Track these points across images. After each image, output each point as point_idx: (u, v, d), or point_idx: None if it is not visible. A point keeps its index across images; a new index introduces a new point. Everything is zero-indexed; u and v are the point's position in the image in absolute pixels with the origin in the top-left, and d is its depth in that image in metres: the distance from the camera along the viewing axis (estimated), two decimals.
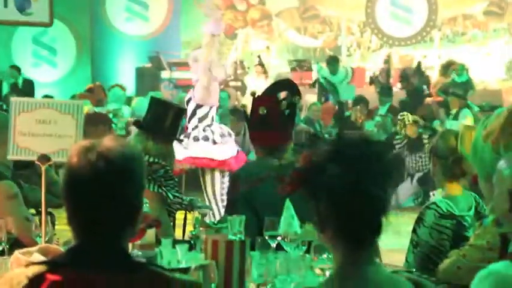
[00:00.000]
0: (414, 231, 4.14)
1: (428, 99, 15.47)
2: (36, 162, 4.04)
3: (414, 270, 3.96)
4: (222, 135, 8.67)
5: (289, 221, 3.81)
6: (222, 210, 8.16)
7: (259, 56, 18.07)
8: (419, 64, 17.06)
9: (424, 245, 4.07)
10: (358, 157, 2.27)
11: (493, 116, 2.94)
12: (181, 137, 8.08)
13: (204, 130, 8.60)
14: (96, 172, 2.27)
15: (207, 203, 8.14)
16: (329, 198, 2.27)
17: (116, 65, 19.41)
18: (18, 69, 17.37)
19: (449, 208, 4.08)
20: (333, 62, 16.46)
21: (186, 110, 5.91)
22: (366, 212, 2.26)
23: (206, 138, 8.56)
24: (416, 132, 12.16)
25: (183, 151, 8.36)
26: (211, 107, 8.74)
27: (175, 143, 5.70)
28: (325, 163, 2.28)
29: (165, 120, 5.26)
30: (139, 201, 2.37)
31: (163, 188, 5.08)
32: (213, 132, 8.60)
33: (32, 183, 5.35)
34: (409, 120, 12.19)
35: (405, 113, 12.59)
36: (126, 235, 2.37)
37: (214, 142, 8.57)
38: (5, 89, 16.72)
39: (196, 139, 8.58)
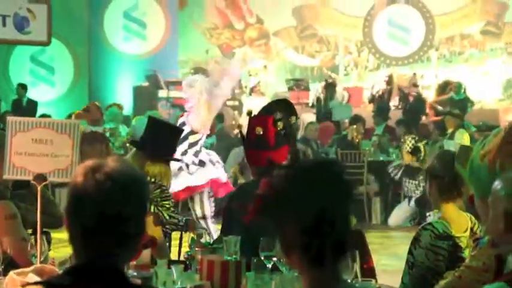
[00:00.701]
0: (410, 252, 4.13)
1: (424, 119, 15.51)
2: (32, 181, 4.03)
3: None
4: (211, 162, 8.63)
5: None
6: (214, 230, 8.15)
7: (250, 75, 18.09)
8: (414, 76, 17.14)
9: (420, 266, 4.06)
10: (317, 179, 2.27)
11: (490, 136, 2.94)
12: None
13: (195, 156, 8.52)
14: (102, 192, 2.26)
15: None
16: (292, 222, 2.27)
17: (114, 83, 19.43)
18: (25, 88, 17.41)
19: (445, 229, 4.07)
20: (330, 88, 16.48)
21: (183, 130, 5.91)
22: (329, 232, 2.26)
23: (202, 164, 8.49)
24: (410, 159, 12.15)
25: (178, 180, 8.27)
26: (203, 135, 8.71)
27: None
28: (285, 188, 2.28)
29: (162, 140, 5.26)
30: (143, 224, 2.37)
31: (159, 208, 5.08)
32: (187, 166, 8.52)
33: (28, 203, 5.34)
34: (408, 148, 12.15)
35: (408, 138, 12.54)
36: (127, 256, 2.37)
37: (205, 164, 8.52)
38: (3, 107, 16.73)
39: (194, 164, 8.48)
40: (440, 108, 15.58)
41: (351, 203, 2.33)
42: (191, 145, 8.55)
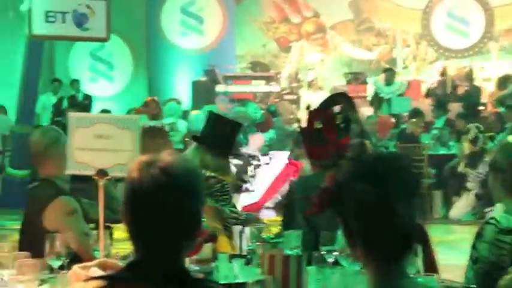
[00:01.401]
0: (474, 246, 4.07)
1: (485, 112, 15.31)
2: (94, 176, 4.07)
3: (474, 286, 3.91)
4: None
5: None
6: None
7: (310, 69, 18.07)
8: (470, 71, 16.92)
9: (484, 261, 4.01)
10: (383, 173, 2.26)
11: None
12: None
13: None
14: (159, 186, 2.27)
15: None
16: (356, 217, 2.26)
17: (172, 78, 19.53)
18: (79, 83, 17.64)
19: (509, 223, 4.01)
20: (389, 72, 16.41)
21: (242, 124, 5.92)
22: (393, 229, 2.24)
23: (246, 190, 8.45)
24: (471, 149, 12.03)
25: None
26: None
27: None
28: (350, 182, 2.27)
29: (222, 134, 5.28)
30: (200, 217, 2.37)
31: (219, 203, 5.10)
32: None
33: (90, 197, 5.40)
34: (470, 137, 12.03)
35: (472, 126, 12.42)
36: (185, 250, 2.37)
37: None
38: (65, 104, 16.96)
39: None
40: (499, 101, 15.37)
41: (418, 198, 2.31)
42: None
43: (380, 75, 17.00)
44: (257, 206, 8.26)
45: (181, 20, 20.13)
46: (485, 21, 19.59)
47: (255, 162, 8.33)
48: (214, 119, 5.47)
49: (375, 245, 2.26)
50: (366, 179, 2.25)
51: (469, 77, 16.72)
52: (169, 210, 2.27)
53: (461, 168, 12.22)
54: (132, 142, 3.99)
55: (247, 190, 8.30)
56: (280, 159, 8.34)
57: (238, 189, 8.29)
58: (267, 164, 8.16)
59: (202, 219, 2.38)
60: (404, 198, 2.27)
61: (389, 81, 16.17)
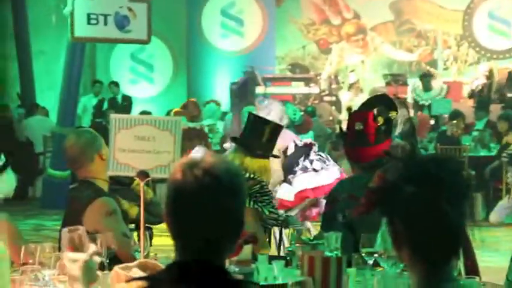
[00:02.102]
0: None
1: None
2: (136, 177, 4.10)
3: None
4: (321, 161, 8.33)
5: (386, 237, 3.77)
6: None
7: (352, 71, 18.01)
8: (510, 74, 16.75)
9: None
10: (432, 176, 2.24)
11: None
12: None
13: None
14: (202, 188, 2.28)
15: None
16: (404, 218, 2.24)
17: (212, 80, 19.60)
18: (117, 85, 17.77)
19: None
20: (426, 78, 16.27)
21: (283, 126, 5.91)
22: (442, 231, 2.23)
23: (305, 169, 8.23)
24: None
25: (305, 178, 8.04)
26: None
27: None
28: (400, 182, 2.25)
29: (262, 136, 5.28)
30: (242, 218, 2.38)
31: (259, 204, 5.10)
32: (311, 162, 8.30)
33: (129, 199, 5.44)
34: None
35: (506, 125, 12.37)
36: (227, 251, 2.38)
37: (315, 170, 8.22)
38: (105, 106, 17.11)
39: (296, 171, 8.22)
40: None
41: (467, 201, 2.29)
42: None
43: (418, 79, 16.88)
44: (290, 204, 8.12)
45: (222, 22, 20.21)
46: None
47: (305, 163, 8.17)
48: (254, 121, 5.47)
49: (421, 248, 2.24)
50: (417, 181, 2.23)
51: (510, 78, 16.57)
52: (212, 211, 2.29)
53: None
54: (172, 143, 4.01)
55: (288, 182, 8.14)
56: (333, 171, 8.17)
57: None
58: (316, 170, 7.98)
59: (245, 220, 2.39)
60: (454, 201, 2.25)
61: (427, 88, 16.04)
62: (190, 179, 2.29)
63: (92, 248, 3.10)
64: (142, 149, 4.06)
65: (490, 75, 16.45)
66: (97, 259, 3.09)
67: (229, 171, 2.34)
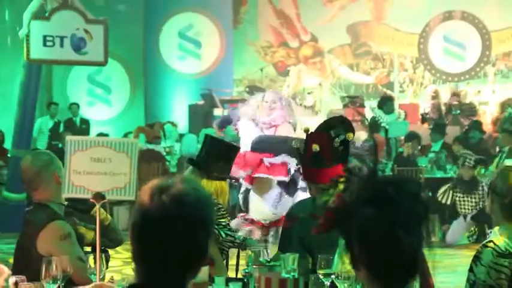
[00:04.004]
0: (471, 269, 4.06)
1: (484, 136, 15.32)
2: (91, 200, 4.06)
3: None
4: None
5: (343, 258, 3.78)
6: None
7: (309, 93, 18.08)
8: (457, 90, 16.98)
9: (482, 285, 3.99)
10: (390, 198, 2.23)
11: None
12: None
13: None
14: (168, 215, 2.25)
15: None
16: (361, 239, 2.24)
17: (169, 102, 19.57)
18: (78, 106, 17.67)
19: (507, 247, 4.00)
20: (389, 103, 16.34)
21: (239, 148, 5.90)
22: (398, 253, 2.22)
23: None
24: (469, 175, 12.07)
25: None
26: None
27: None
28: (358, 203, 2.25)
29: (219, 158, 5.26)
30: (206, 249, 2.35)
31: (215, 226, 5.07)
32: None
33: (86, 222, 5.38)
34: (469, 162, 12.07)
35: (470, 152, 12.48)
36: (188, 278, 2.35)
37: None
38: (61, 128, 16.98)
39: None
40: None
41: (425, 224, 2.29)
42: None
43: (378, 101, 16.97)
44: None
45: (179, 44, 20.21)
46: (482, 45, 19.66)
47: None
48: (210, 142, 5.46)
49: (377, 269, 2.24)
50: (374, 203, 2.23)
51: (456, 94, 16.77)
52: (175, 240, 2.25)
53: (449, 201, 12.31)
54: (128, 165, 3.98)
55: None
56: None
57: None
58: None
59: (208, 249, 2.36)
60: (412, 224, 2.24)
61: (389, 111, 16.13)
62: (157, 205, 2.25)
63: (5, 272, 3.06)
64: (98, 171, 4.03)
65: (436, 97, 16.63)
66: (11, 280, 3.04)
67: (198, 200, 2.30)
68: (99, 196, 3.99)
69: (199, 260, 2.33)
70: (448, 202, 12.37)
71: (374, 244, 2.21)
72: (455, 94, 16.95)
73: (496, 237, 4.09)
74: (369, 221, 2.20)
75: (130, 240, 2.32)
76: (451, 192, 12.38)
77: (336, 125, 4.85)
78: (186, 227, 2.25)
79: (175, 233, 2.24)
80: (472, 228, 12.29)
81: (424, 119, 16.55)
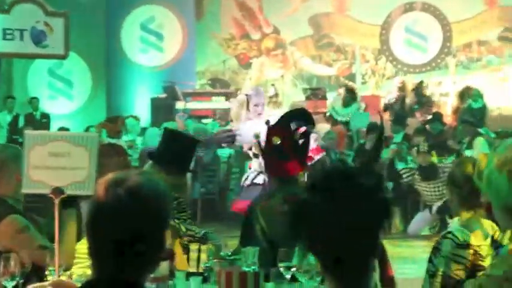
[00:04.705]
0: (430, 260, 4.08)
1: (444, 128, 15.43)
2: (50, 195, 4.02)
3: None
4: None
5: (303, 251, 3.78)
6: None
7: (273, 85, 18.09)
8: (420, 83, 17.05)
9: (441, 275, 4.02)
10: (348, 192, 2.23)
11: (503, 146, 2.91)
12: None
13: None
14: (123, 208, 2.24)
15: None
16: (318, 233, 2.24)
17: (131, 95, 19.47)
18: (37, 101, 17.50)
19: (465, 237, 4.03)
20: (348, 95, 16.36)
21: (199, 141, 5.87)
22: (357, 245, 2.23)
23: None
24: (427, 160, 12.14)
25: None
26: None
27: None
28: (313, 197, 2.25)
29: (178, 152, 5.23)
30: (163, 241, 2.34)
31: (175, 221, 5.06)
32: None
33: (47, 217, 5.32)
34: (423, 148, 12.16)
35: (423, 139, 12.60)
36: (146, 271, 2.34)
37: None
38: (21, 122, 16.81)
39: None
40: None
41: (386, 215, 2.28)
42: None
43: (339, 92, 16.99)
44: None
45: (141, 37, 20.11)
46: (443, 37, 19.80)
47: None
48: (170, 136, 5.43)
49: (335, 263, 2.23)
50: (329, 197, 2.22)
51: (418, 88, 16.86)
52: (131, 232, 2.24)
53: (409, 179, 12.40)
54: (88, 159, 3.95)
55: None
56: None
57: None
58: None
59: (165, 242, 2.35)
60: (372, 215, 2.25)
61: (348, 103, 16.14)
62: (112, 198, 2.24)
63: None
64: (57, 166, 3.99)
65: (402, 89, 16.71)
66: None
67: (153, 191, 2.29)
68: (58, 191, 3.95)
69: (156, 253, 2.32)
70: (409, 190, 12.45)
71: (330, 237, 2.21)
72: (414, 90, 17.01)
73: (455, 228, 4.12)
74: (324, 214, 2.20)
75: (86, 235, 2.30)
76: (411, 179, 12.46)
77: (296, 118, 4.86)
78: (142, 219, 2.24)
79: (131, 225, 2.23)
80: (434, 220, 12.37)
81: (386, 109, 16.61)
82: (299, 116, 4.97)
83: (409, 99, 16.63)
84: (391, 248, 9.89)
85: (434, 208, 12.11)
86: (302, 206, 2.24)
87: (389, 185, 12.68)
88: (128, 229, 2.23)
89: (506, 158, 2.84)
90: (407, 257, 10.12)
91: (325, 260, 2.24)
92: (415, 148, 12.44)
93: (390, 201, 2.31)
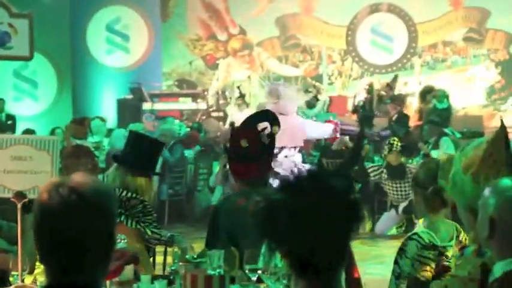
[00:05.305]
0: (396, 262, 4.09)
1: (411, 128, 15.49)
2: (12, 199, 3.98)
3: None
4: None
5: (269, 253, 3.77)
6: None
7: (238, 87, 18.07)
8: (395, 78, 17.11)
9: (407, 277, 4.03)
10: (316, 195, 2.23)
11: (469, 148, 2.92)
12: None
13: None
14: (68, 206, 2.22)
15: None
16: (282, 235, 2.24)
17: (98, 97, 19.39)
18: (3, 102, 17.33)
19: (431, 239, 4.05)
20: (309, 95, 16.33)
21: (164, 143, 5.84)
22: (324, 246, 2.22)
23: None
24: (397, 160, 12.18)
25: None
26: None
27: None
28: (280, 198, 2.25)
29: (142, 154, 5.19)
30: (113, 237, 2.32)
31: (141, 224, 5.02)
32: None
33: (10, 220, 5.27)
34: (396, 147, 12.18)
35: (395, 138, 12.61)
36: (100, 272, 2.32)
37: None
38: None
39: None
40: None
41: (354, 219, 2.28)
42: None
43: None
44: None
45: (107, 38, 20.03)
46: (409, 37, 19.90)
47: None
48: (134, 138, 5.39)
49: (304, 265, 2.23)
50: (300, 198, 2.22)
51: (389, 85, 16.90)
52: (79, 231, 2.22)
53: (377, 177, 12.45)
54: (50, 163, 3.92)
55: None
56: None
57: None
58: None
59: (116, 240, 2.33)
60: (341, 220, 2.24)
61: (312, 105, 16.14)
62: (56, 199, 2.22)
63: None
64: (19, 170, 3.96)
65: (370, 90, 16.75)
66: None
67: (97, 190, 2.28)
68: (20, 195, 3.92)
69: (106, 252, 2.29)
70: (376, 191, 12.49)
71: (296, 239, 2.21)
72: (388, 85, 17.05)
73: (420, 229, 4.14)
74: (277, 206, 2.21)
75: (35, 242, 2.27)
76: (378, 177, 12.50)
77: (262, 119, 4.85)
78: (87, 217, 2.23)
79: (76, 224, 2.21)
80: (401, 220, 12.41)
81: (354, 110, 16.63)
82: (264, 117, 4.96)
83: (378, 96, 16.66)
84: (359, 247, 9.92)
85: (401, 208, 12.15)
86: (273, 207, 2.24)
87: (356, 186, 12.71)
88: (73, 228, 2.21)
89: (472, 159, 2.86)
90: (375, 257, 10.15)
91: (294, 262, 2.24)
92: (386, 146, 12.44)
93: (361, 204, 2.31)
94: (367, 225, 12.64)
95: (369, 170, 12.59)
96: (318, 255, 2.22)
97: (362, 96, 16.64)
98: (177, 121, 15.61)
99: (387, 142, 12.57)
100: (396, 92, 16.99)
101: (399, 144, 12.26)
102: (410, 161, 12.57)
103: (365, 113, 15.88)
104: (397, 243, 4.23)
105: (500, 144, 2.91)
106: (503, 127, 2.98)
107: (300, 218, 2.20)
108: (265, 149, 4.78)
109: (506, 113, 18.66)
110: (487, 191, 2.65)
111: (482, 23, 19.57)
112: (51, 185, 2.26)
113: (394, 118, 15.26)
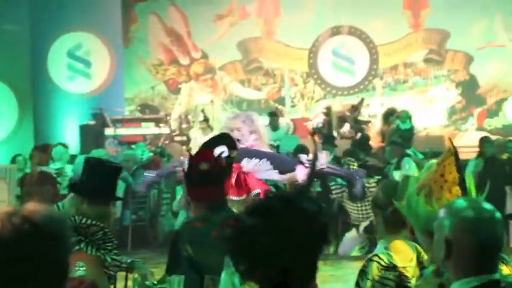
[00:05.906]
0: (357, 284, 4.09)
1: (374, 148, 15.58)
2: None
3: None
4: None
5: (230, 278, 3.76)
6: None
7: (203, 111, 18.07)
8: (361, 101, 17.22)
9: None
10: (276, 211, 2.24)
11: (423, 170, 2.94)
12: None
13: None
14: (20, 235, 2.20)
15: None
16: (253, 257, 2.24)
17: (60, 123, 19.29)
18: None
19: (391, 260, 4.05)
20: (272, 118, 16.38)
21: (121, 168, 5.78)
22: (292, 269, 2.24)
23: None
24: None
25: None
26: None
27: None
28: (250, 220, 2.25)
29: (100, 180, 5.13)
30: (67, 265, 2.30)
31: (101, 251, 4.97)
32: None
33: None
34: (353, 167, 12.26)
35: (351, 159, 12.69)
36: None
37: None
38: None
39: None
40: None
41: (323, 240, 2.30)
42: None
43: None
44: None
45: (68, 64, 20.00)
46: (370, 59, 20.06)
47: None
48: (91, 166, 5.34)
49: (273, 285, 2.24)
50: (270, 221, 2.24)
51: (354, 107, 16.99)
52: (32, 259, 2.20)
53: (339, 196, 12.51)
54: (6, 192, 3.88)
55: None
56: None
57: None
58: None
59: (69, 268, 2.31)
60: (310, 241, 2.25)
61: (275, 127, 16.19)
62: (8, 228, 2.20)
63: None
64: None
65: (328, 113, 16.83)
66: None
67: (50, 218, 2.26)
68: None
69: (60, 280, 2.27)
70: (339, 212, 12.54)
71: (266, 258, 2.22)
72: (353, 106, 17.14)
73: (380, 250, 4.14)
74: (250, 229, 2.21)
75: None
76: (340, 195, 12.54)
77: (220, 143, 4.86)
78: (40, 246, 2.20)
79: (29, 252, 2.19)
80: (364, 240, 12.44)
81: (314, 133, 16.69)
82: (222, 141, 4.97)
83: (340, 118, 16.75)
84: (322, 269, 9.91)
85: (361, 228, 12.21)
86: (242, 231, 2.25)
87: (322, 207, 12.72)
88: (28, 257, 2.19)
89: (423, 181, 2.88)
90: (339, 278, 10.16)
91: (266, 284, 2.24)
92: (345, 167, 12.51)
93: (328, 226, 2.33)
94: (331, 246, 12.65)
95: (332, 188, 12.63)
96: (291, 276, 2.23)
97: (320, 118, 16.71)
98: (140, 145, 15.58)
99: (344, 162, 12.67)
100: (360, 116, 17.10)
101: (356, 164, 12.35)
102: (369, 180, 12.61)
103: (327, 133, 15.96)
104: (360, 264, 4.23)
105: (451, 164, 2.93)
106: (453, 148, 3.01)
107: (275, 240, 2.21)
108: (223, 172, 4.77)
109: (466, 133, 18.86)
110: (441, 212, 2.67)
111: (442, 44, 19.79)
112: (3, 214, 2.24)
113: (357, 138, 15.36)
